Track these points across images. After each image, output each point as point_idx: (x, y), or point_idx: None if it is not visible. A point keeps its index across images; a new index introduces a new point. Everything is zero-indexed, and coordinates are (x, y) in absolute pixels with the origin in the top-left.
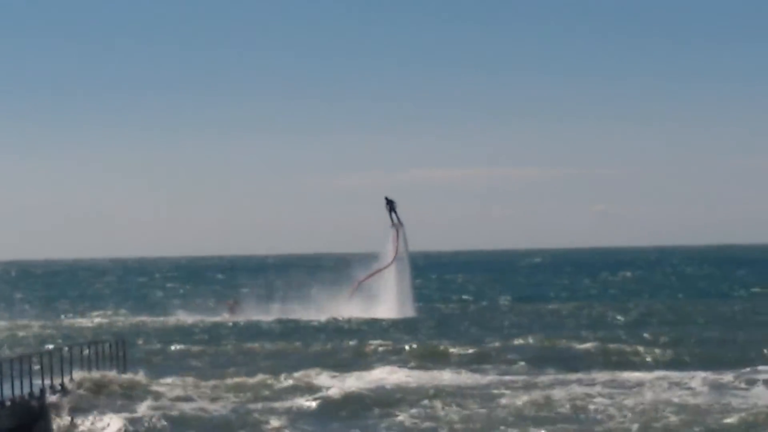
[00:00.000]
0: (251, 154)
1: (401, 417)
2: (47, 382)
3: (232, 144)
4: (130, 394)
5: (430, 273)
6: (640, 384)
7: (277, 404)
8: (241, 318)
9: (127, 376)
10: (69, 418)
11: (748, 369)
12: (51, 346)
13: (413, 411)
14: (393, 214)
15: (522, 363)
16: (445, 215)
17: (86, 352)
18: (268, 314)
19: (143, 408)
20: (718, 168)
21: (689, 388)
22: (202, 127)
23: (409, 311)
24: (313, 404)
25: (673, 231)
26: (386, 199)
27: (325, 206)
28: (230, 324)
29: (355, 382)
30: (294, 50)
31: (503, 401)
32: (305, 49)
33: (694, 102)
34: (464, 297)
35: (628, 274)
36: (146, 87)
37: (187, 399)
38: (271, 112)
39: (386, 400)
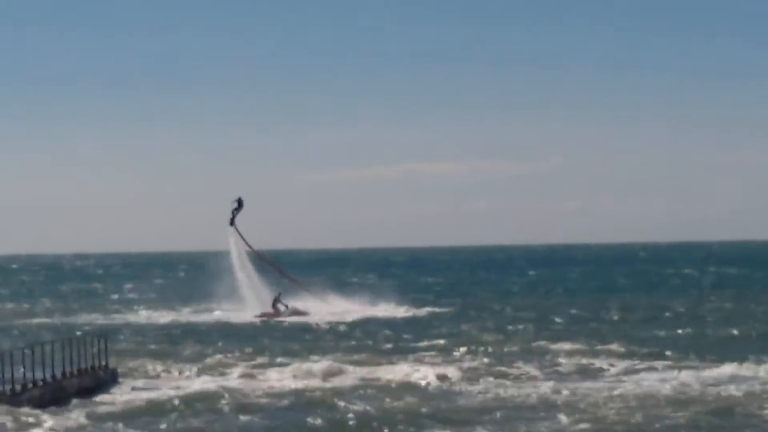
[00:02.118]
0: (212, 147)
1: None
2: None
3: (192, 136)
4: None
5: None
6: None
7: None
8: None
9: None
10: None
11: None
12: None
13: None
14: (236, 215)
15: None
16: (417, 211)
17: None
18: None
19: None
20: (700, 163)
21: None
22: (165, 118)
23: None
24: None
25: (652, 227)
26: (240, 199)
27: (289, 202)
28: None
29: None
30: (264, 42)
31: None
32: (275, 41)
33: (676, 97)
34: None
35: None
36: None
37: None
38: (244, 105)
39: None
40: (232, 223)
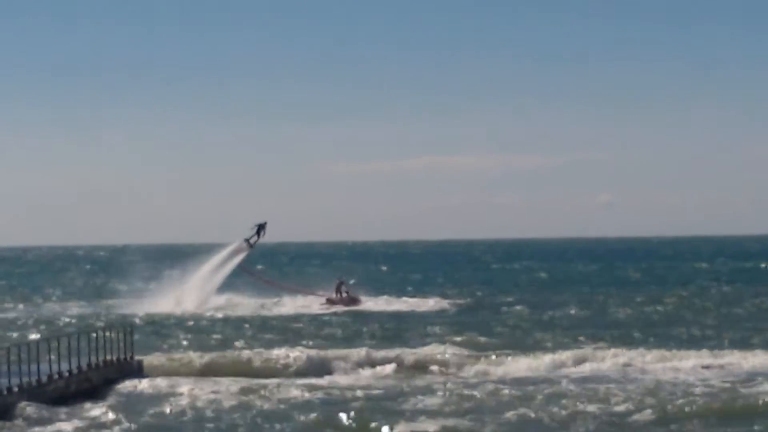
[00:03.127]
0: (245, 140)
1: None
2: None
3: (223, 129)
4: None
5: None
6: None
7: None
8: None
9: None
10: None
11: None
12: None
13: None
14: (257, 237)
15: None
16: (446, 203)
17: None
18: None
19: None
20: (729, 157)
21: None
22: (201, 112)
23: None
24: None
25: (682, 221)
26: (264, 224)
27: (316, 194)
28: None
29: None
30: (290, 36)
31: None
32: (301, 35)
33: (704, 89)
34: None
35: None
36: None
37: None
38: (271, 99)
39: None
40: (251, 246)
